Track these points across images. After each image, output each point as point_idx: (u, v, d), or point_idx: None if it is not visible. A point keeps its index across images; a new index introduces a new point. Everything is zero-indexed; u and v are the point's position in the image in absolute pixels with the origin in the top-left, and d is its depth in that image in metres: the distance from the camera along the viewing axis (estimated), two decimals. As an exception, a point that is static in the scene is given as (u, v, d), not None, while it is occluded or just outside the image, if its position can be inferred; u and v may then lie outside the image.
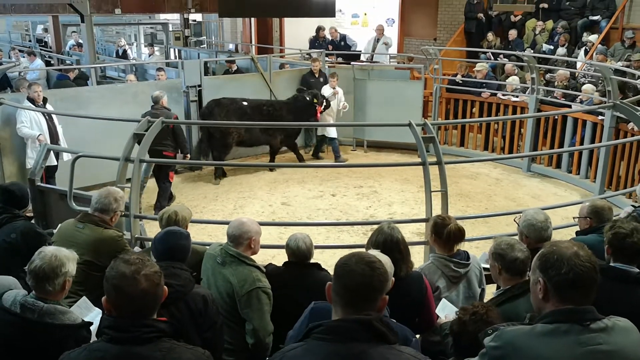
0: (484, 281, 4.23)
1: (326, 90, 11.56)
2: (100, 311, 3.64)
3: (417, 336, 3.65)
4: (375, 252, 3.31)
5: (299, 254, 4.17)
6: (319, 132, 11.94)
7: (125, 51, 18.06)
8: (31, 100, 8.54)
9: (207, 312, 3.47)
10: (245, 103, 10.96)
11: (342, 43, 15.48)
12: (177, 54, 18.74)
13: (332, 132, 11.70)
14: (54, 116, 8.68)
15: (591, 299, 2.29)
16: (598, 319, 2.27)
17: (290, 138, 11.51)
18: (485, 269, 4.22)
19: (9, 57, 15.89)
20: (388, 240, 3.71)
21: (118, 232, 4.56)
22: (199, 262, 4.20)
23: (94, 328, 3.36)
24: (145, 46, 21.66)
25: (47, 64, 15.86)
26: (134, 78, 11.81)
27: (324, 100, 11.24)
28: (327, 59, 13.47)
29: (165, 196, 9.10)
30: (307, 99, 11.11)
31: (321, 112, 11.21)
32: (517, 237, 4.04)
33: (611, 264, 3.43)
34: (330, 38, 15.51)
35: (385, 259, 3.24)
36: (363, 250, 2.38)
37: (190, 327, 3.37)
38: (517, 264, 3.39)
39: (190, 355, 2.37)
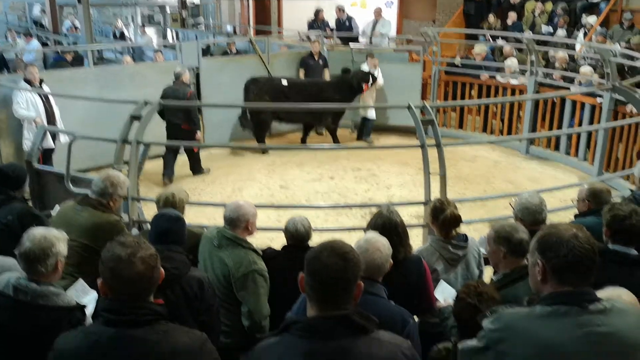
0: (482, 263, 4.24)
1: (365, 68, 11.54)
2: (96, 294, 3.64)
3: (416, 318, 3.66)
4: (373, 234, 3.31)
5: (298, 237, 4.19)
6: (361, 113, 11.92)
7: (122, 33, 17.97)
8: (27, 81, 8.49)
9: (202, 296, 3.47)
10: (284, 82, 11.09)
11: (347, 23, 15.38)
12: (174, 36, 18.64)
13: (370, 113, 11.72)
14: (50, 97, 8.64)
15: (590, 281, 2.29)
16: (597, 301, 2.27)
17: (338, 117, 11.54)
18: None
19: (6, 39, 15.80)
20: (387, 224, 3.70)
21: (116, 216, 4.54)
22: (195, 245, 4.20)
23: (90, 311, 3.36)
24: (139, 26, 21.52)
25: (44, 45, 15.77)
26: (130, 60, 11.76)
27: (371, 77, 11.21)
28: (325, 40, 13.40)
29: (197, 161, 9.75)
30: (354, 80, 11.10)
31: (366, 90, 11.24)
32: (512, 221, 4.04)
33: (609, 246, 3.44)
34: (336, 17, 15.40)
35: (383, 241, 3.24)
36: (333, 239, 2.35)
37: (185, 310, 3.36)
38: (523, 245, 3.36)
39: (186, 338, 2.36)
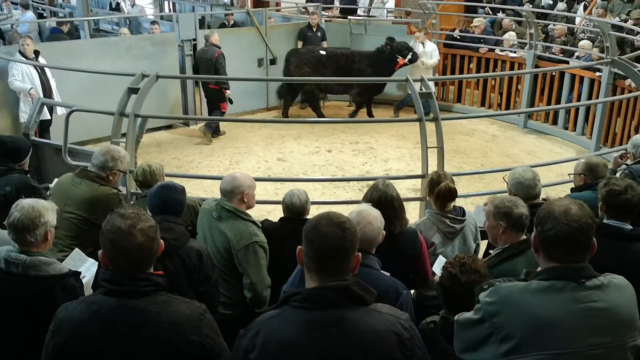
0: (479, 237, 4.26)
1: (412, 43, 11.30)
2: (94, 261, 3.67)
3: (412, 291, 3.69)
4: (365, 207, 3.31)
5: (293, 210, 4.20)
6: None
7: (118, 4, 17.76)
8: (22, 53, 8.43)
9: (201, 267, 3.49)
10: (323, 52, 11.19)
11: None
12: (171, 7, 18.46)
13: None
14: (47, 70, 8.59)
15: (580, 258, 2.29)
16: (594, 277, 2.28)
17: (367, 91, 11.25)
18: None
19: (1, 9, 15.62)
20: (382, 198, 3.71)
21: (113, 189, 4.55)
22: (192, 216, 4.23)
23: (88, 278, 3.38)
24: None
25: (40, 16, 15.61)
26: (127, 31, 11.65)
27: (410, 53, 10.85)
28: (323, 12, 13.29)
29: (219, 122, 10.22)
30: (386, 51, 10.87)
31: (402, 65, 10.83)
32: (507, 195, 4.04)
33: (605, 220, 3.45)
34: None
35: (375, 214, 3.23)
36: (330, 210, 2.37)
37: (184, 281, 3.38)
38: (523, 219, 3.37)
39: (186, 309, 2.38)
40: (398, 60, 10.78)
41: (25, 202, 3.11)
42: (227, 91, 9.93)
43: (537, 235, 2.34)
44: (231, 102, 10.09)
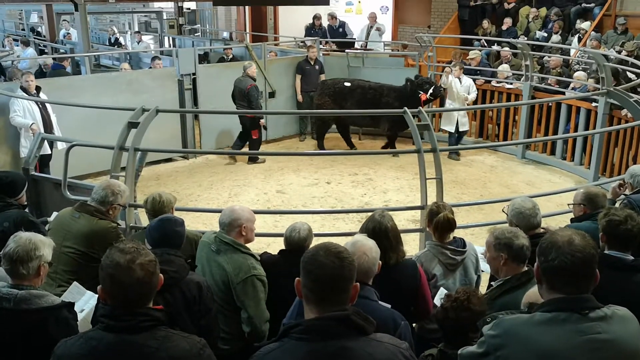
0: (479, 268, 4.24)
1: (443, 79, 11.05)
2: (92, 294, 3.65)
3: (414, 325, 3.66)
4: (360, 237, 3.30)
5: (291, 243, 4.17)
6: (442, 125, 11.31)
7: (117, 39, 17.98)
8: (24, 89, 8.50)
9: (201, 299, 3.47)
10: (347, 84, 11.30)
11: (341, 30, 15.40)
12: (171, 43, 18.67)
13: (447, 126, 11.06)
14: (48, 105, 8.64)
15: (583, 288, 2.28)
16: (597, 308, 2.27)
17: (398, 126, 10.99)
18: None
19: (3, 46, 15.81)
20: (377, 228, 3.69)
21: (112, 222, 4.53)
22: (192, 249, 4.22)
23: (87, 312, 3.36)
24: (134, 33, 21.55)
25: (41, 52, 15.79)
26: (128, 67, 11.78)
27: (431, 88, 10.71)
28: (321, 46, 13.43)
29: (255, 147, 10.77)
30: (409, 87, 10.81)
31: (426, 100, 10.66)
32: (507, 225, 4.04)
33: (606, 251, 3.43)
34: (328, 24, 15.46)
35: (370, 244, 3.23)
36: (327, 240, 2.37)
37: (184, 313, 3.37)
38: (524, 250, 3.36)
39: (185, 344, 2.36)
40: (420, 95, 10.70)
41: (23, 235, 3.14)
42: (262, 120, 10.51)
43: (540, 265, 2.33)
44: (265, 128, 10.76)
